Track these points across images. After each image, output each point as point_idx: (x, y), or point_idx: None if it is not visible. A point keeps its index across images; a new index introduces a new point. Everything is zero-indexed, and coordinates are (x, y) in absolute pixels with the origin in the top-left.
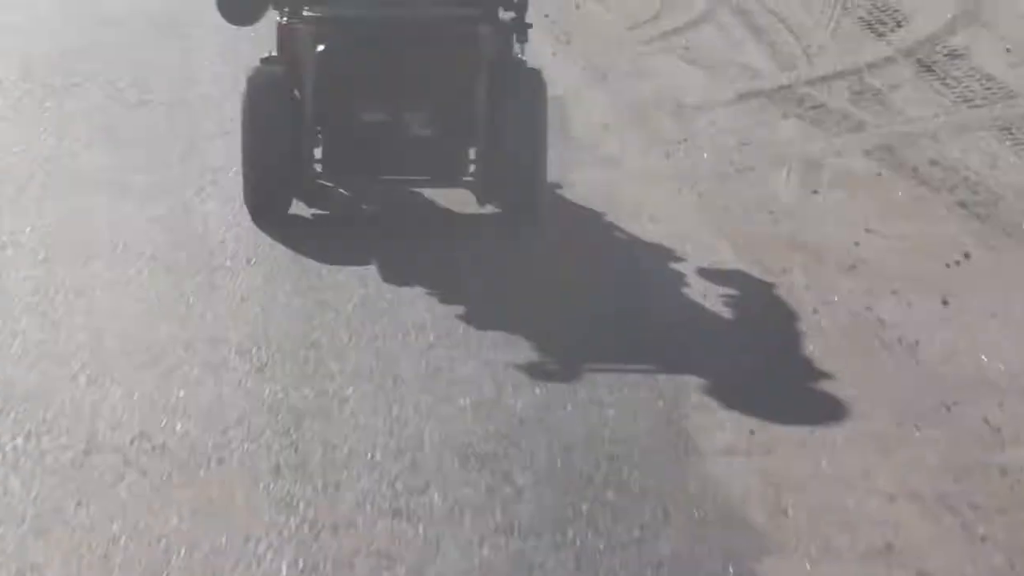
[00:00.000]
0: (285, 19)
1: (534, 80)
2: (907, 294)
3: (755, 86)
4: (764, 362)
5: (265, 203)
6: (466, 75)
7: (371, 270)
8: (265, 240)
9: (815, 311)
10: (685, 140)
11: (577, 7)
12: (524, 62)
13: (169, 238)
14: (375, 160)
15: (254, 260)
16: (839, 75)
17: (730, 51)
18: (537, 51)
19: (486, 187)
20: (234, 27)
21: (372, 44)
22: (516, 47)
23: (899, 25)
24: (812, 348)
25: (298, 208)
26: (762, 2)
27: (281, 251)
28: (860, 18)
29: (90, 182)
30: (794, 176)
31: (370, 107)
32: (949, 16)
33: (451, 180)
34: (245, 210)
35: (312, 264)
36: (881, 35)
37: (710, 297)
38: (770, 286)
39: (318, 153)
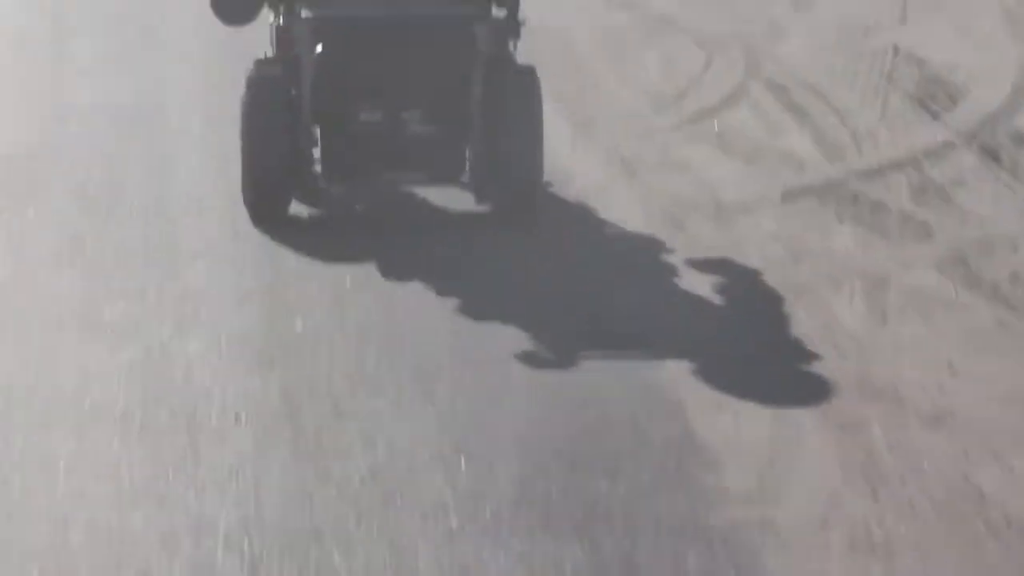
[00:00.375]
0: (281, 20)
1: (528, 78)
2: (1009, 457)
3: (801, 181)
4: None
5: (264, 204)
6: (462, 74)
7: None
8: (254, 385)
9: (903, 480)
10: (728, 251)
11: (595, 85)
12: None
13: (144, 391)
14: (374, 159)
15: (243, 417)
16: (895, 166)
17: (769, 136)
18: (554, 139)
19: (483, 185)
20: (214, 123)
21: (369, 44)
22: (510, 45)
23: (954, 101)
24: (905, 532)
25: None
26: (798, 76)
27: (274, 401)
28: (909, 93)
29: (52, 316)
30: (858, 298)
31: (368, 106)
32: (1009, 88)
33: (449, 178)
34: (231, 351)
35: (308, 421)
36: (935, 115)
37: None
38: (847, 446)
39: (316, 153)
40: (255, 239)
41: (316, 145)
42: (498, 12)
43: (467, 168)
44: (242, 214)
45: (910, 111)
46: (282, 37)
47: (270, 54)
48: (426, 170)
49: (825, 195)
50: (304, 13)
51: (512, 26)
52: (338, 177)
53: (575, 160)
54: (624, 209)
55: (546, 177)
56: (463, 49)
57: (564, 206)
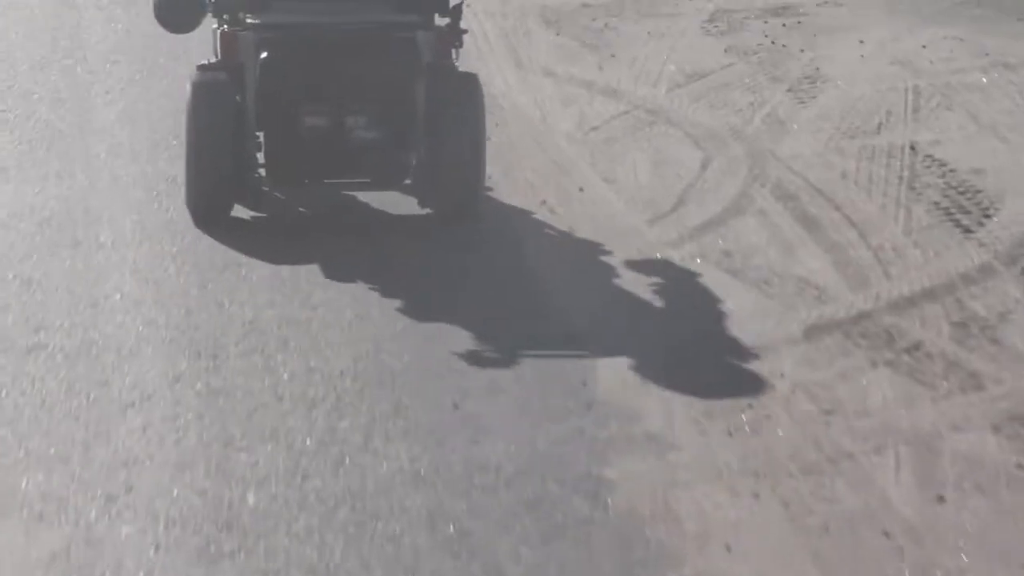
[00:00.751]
0: (225, 26)
1: (471, 84)
2: None
3: (825, 314)
4: None
5: (208, 207)
6: (405, 80)
7: None
8: None
9: None
10: (750, 406)
11: (581, 190)
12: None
13: None
14: (318, 164)
15: None
16: (929, 295)
17: (782, 257)
18: (537, 256)
19: (426, 189)
20: (148, 238)
21: (314, 50)
22: (453, 53)
23: (987, 214)
24: None
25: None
26: (807, 179)
27: None
28: (935, 203)
29: None
30: (906, 468)
31: (312, 112)
32: None
33: (393, 183)
34: (172, 536)
35: None
36: (968, 230)
37: None
38: None
39: (260, 158)
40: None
41: (260, 150)
42: (440, 21)
43: (411, 173)
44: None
45: (938, 225)
46: (226, 44)
47: (212, 60)
48: (370, 175)
49: (853, 332)
50: (250, 20)
51: (455, 34)
52: (282, 181)
53: (563, 283)
54: (621, 352)
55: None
56: (406, 56)
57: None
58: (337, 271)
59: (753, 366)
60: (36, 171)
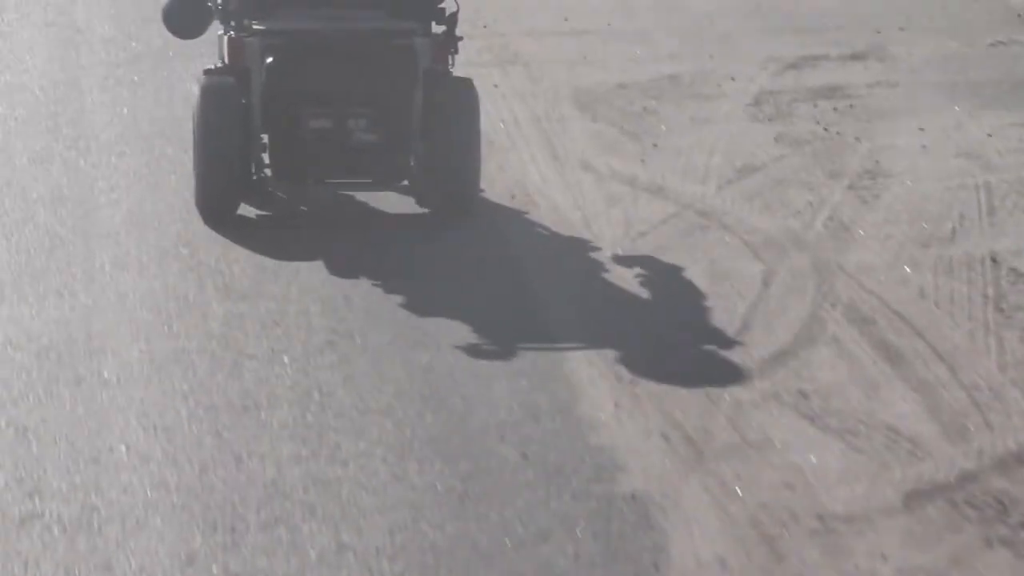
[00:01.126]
0: (232, 32)
1: (466, 88)
2: None
3: (922, 475)
4: None
5: (215, 206)
6: (404, 85)
7: None
8: None
9: None
10: None
11: (627, 308)
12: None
13: None
14: (321, 165)
15: None
16: None
17: (866, 398)
18: (593, 403)
19: (424, 189)
20: (157, 371)
21: (317, 56)
22: (450, 59)
23: None
24: None
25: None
26: (882, 299)
27: None
28: None
29: None
30: None
31: (316, 115)
32: None
33: (392, 183)
34: None
35: None
36: None
37: None
38: None
39: (265, 159)
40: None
41: (265, 151)
42: (438, 28)
43: (409, 174)
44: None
45: None
46: (233, 49)
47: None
48: (370, 175)
49: (958, 498)
50: (256, 26)
51: (450, 41)
52: (286, 181)
53: (620, 436)
54: (698, 526)
55: None
56: (405, 62)
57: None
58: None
59: (843, 543)
60: (34, 288)
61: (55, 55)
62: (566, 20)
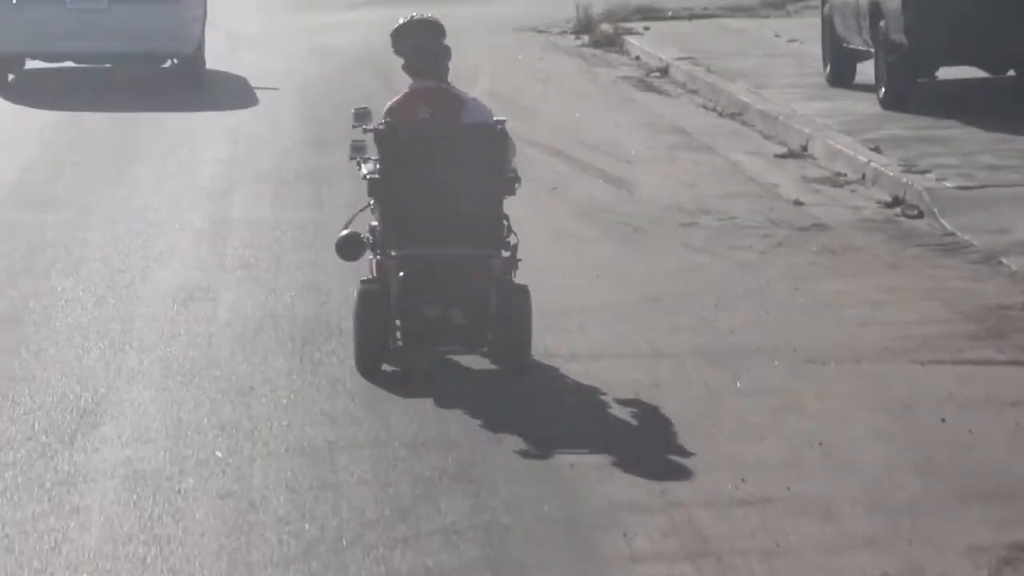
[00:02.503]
0: (379, 257)
1: (523, 291)
2: None
3: None
4: None
5: (368, 365)
6: (483, 290)
7: None
8: None
9: None
10: None
11: None
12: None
13: None
14: (433, 339)
15: None
16: None
17: None
18: None
19: (496, 353)
20: None
21: (431, 271)
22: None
23: None
24: None
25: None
26: None
27: None
28: None
29: None
30: None
31: (430, 308)
32: None
33: (476, 349)
34: None
35: None
36: None
37: None
38: None
39: (398, 335)
40: None
41: (398, 330)
42: (505, 254)
43: (487, 343)
44: None
45: None
46: (380, 267)
47: (372, 276)
48: (463, 346)
49: None
50: (393, 253)
51: (513, 261)
52: (411, 348)
53: None
54: None
55: None
56: (484, 273)
57: None
58: None
59: None
60: None
61: None
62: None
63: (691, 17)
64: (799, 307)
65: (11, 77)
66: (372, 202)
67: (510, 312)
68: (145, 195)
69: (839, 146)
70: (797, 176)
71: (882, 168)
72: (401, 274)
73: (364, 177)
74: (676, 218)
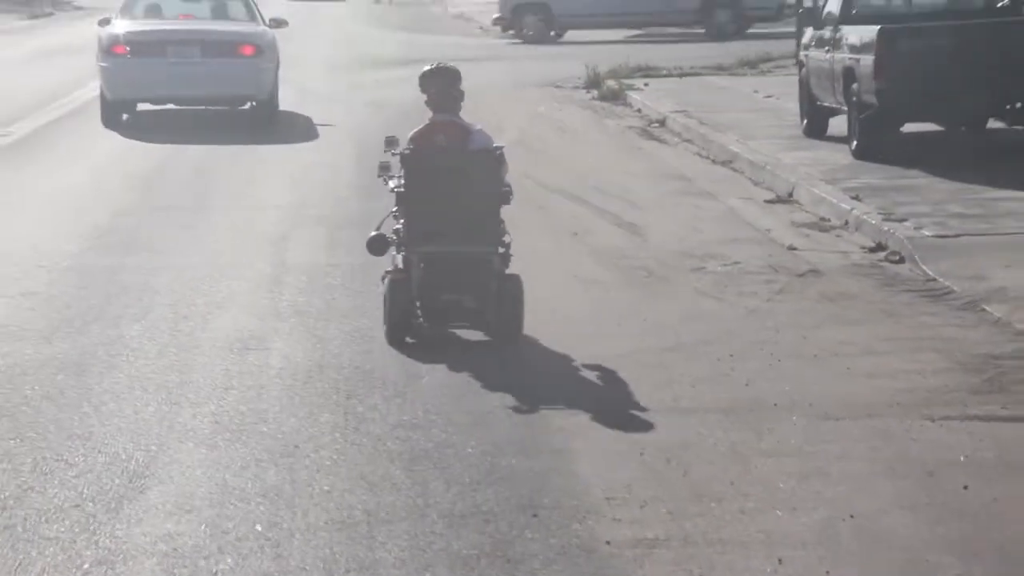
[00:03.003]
0: (403, 253)
1: (516, 281)
2: None
3: None
4: None
5: (396, 338)
6: (487, 280)
7: None
8: None
9: None
10: None
11: None
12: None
13: None
14: (446, 318)
15: None
16: None
17: None
18: None
19: (494, 329)
20: None
21: (445, 264)
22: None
23: None
24: None
25: None
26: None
27: None
28: None
29: None
30: None
31: (445, 294)
32: None
33: (481, 327)
34: None
35: None
36: None
37: None
38: None
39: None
40: None
41: (418, 309)
42: (500, 250)
43: (487, 320)
44: None
45: None
46: (404, 261)
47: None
48: (469, 323)
49: None
50: (415, 249)
51: (507, 259)
52: (430, 325)
53: None
54: None
55: None
56: (487, 267)
57: None
58: None
59: None
60: None
61: None
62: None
63: (682, 75)
64: (808, 357)
65: (125, 117)
66: (396, 210)
67: (506, 297)
68: (215, 238)
69: (822, 193)
70: (787, 221)
71: (864, 216)
72: (422, 266)
73: (391, 190)
74: (685, 263)
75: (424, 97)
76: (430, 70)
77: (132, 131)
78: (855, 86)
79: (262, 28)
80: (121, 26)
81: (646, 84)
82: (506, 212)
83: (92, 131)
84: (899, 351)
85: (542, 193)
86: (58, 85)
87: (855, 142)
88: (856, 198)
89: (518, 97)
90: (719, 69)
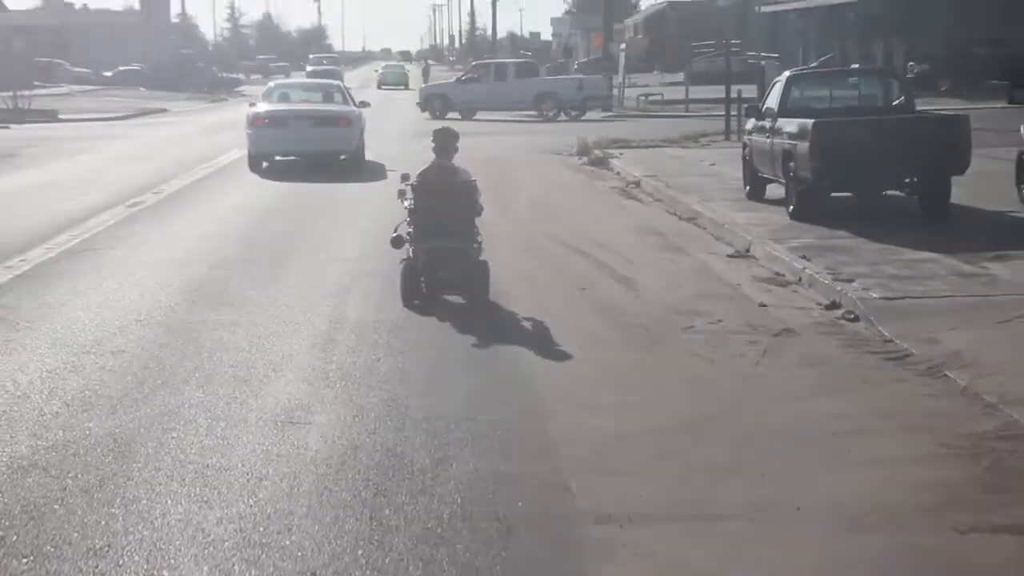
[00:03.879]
0: (412, 247)
1: (484, 264)
2: None
3: None
4: None
5: (408, 301)
6: (466, 264)
7: None
8: None
9: None
10: None
11: None
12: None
13: None
14: (442, 288)
15: None
16: None
17: None
18: None
19: (469, 297)
20: None
21: (440, 255)
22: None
23: None
24: None
25: None
26: None
27: None
28: None
29: None
30: None
31: (440, 272)
32: None
33: (463, 295)
34: None
35: None
36: None
37: None
38: None
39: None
40: None
41: (423, 283)
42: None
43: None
44: None
45: None
46: (413, 253)
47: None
48: (457, 293)
49: None
50: (419, 244)
51: (480, 248)
52: (431, 294)
53: None
54: None
55: None
56: (465, 257)
57: None
58: None
59: None
60: None
61: None
62: None
63: (648, 146)
64: (809, 439)
65: (265, 165)
66: (408, 220)
67: (478, 275)
68: (287, 293)
69: (774, 251)
70: (749, 276)
71: (815, 275)
72: (424, 256)
73: (405, 207)
74: (677, 320)
75: (432, 145)
76: (438, 129)
77: (268, 174)
78: (792, 164)
79: (351, 107)
80: (261, 107)
81: (621, 153)
82: (530, 267)
83: (229, 182)
84: (890, 431)
85: (554, 247)
86: (214, 148)
87: (791, 207)
88: (805, 257)
89: (529, 162)
90: (670, 142)
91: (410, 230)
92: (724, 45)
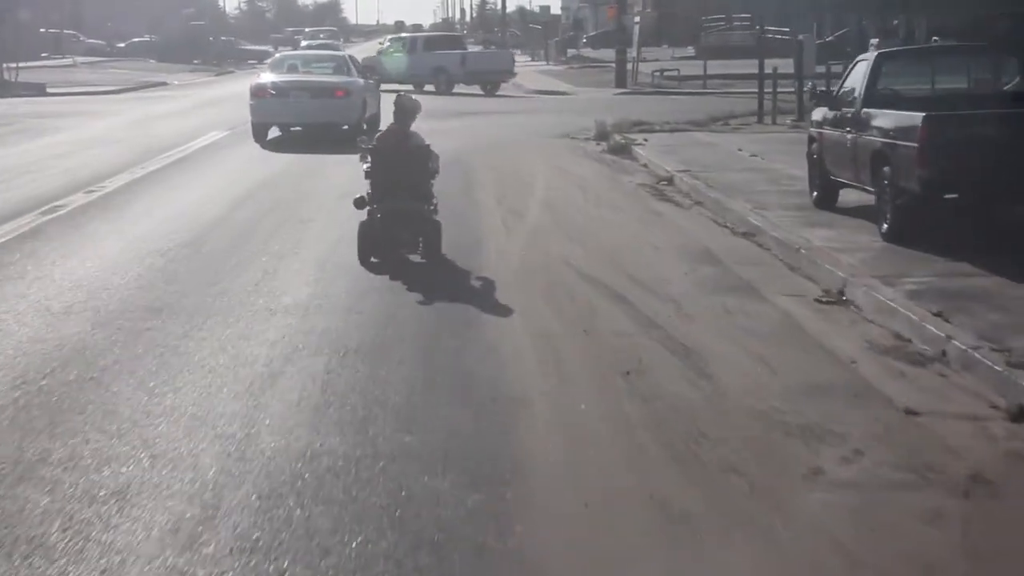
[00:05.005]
0: (372, 207)
1: (437, 223)
2: None
3: None
4: None
5: (364, 259)
6: (420, 223)
7: None
8: None
9: None
10: None
11: None
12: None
13: None
14: (397, 246)
15: None
16: None
17: None
18: None
19: (423, 252)
20: None
21: (396, 214)
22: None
23: None
24: None
25: None
26: None
27: None
28: None
29: None
30: None
31: (395, 231)
32: None
33: (416, 252)
34: None
35: None
36: None
37: None
38: None
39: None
40: None
41: (378, 242)
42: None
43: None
44: None
45: None
46: (370, 213)
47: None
48: (411, 250)
49: None
50: (376, 205)
51: (435, 209)
52: (386, 251)
53: None
54: None
55: None
56: (421, 216)
57: None
58: None
59: None
60: None
61: None
62: None
63: (673, 130)
64: None
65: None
66: (369, 182)
67: (431, 234)
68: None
69: (885, 299)
70: (862, 342)
71: (969, 351)
72: (379, 216)
73: (364, 169)
74: (786, 452)
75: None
76: (397, 98)
77: (270, 144)
78: (886, 169)
79: (353, 79)
80: (265, 77)
81: (646, 140)
82: (550, 327)
83: (186, 176)
84: None
85: (580, 287)
86: (193, 130)
87: (885, 225)
88: (941, 316)
89: (539, 148)
90: (696, 125)
91: (370, 191)
92: (747, 20)
